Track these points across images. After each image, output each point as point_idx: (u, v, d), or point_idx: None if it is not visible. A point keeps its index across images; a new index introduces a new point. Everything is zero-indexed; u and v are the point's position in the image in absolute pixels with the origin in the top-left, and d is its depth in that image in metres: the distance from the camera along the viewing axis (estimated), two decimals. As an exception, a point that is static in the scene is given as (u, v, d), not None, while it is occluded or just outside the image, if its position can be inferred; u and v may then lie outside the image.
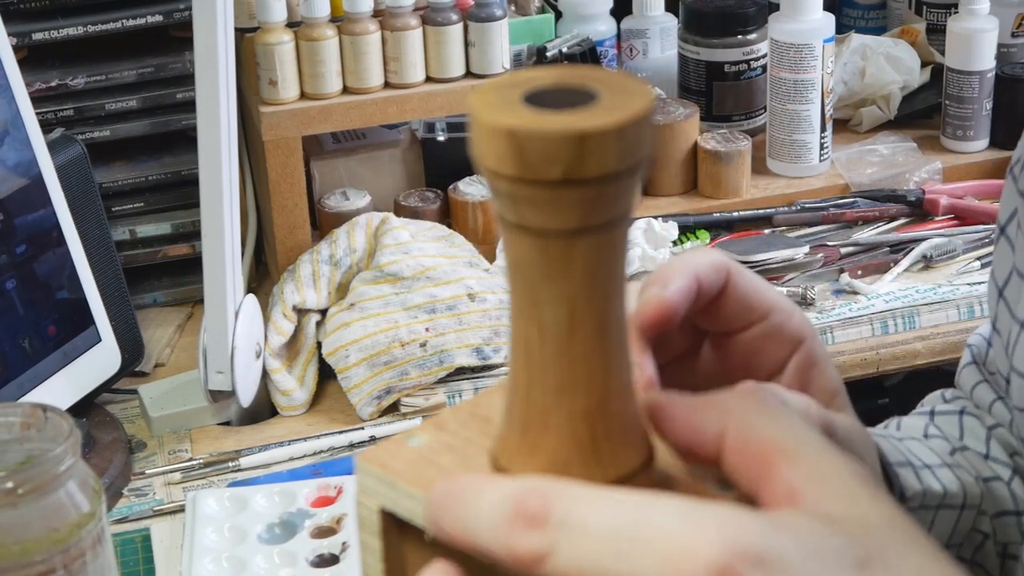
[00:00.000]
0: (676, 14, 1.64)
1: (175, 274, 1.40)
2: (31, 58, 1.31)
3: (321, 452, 1.18)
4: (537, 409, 0.47)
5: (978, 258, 1.40)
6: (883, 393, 1.60)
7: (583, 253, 0.44)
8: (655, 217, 1.45)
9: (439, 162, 1.44)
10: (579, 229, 0.44)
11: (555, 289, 0.45)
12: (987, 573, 0.77)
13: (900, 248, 1.42)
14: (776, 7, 1.53)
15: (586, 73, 0.45)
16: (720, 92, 1.59)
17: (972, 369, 0.85)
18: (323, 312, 1.28)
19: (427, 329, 1.24)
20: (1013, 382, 0.75)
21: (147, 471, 1.16)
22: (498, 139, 0.43)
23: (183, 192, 1.36)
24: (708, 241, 1.44)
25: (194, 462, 1.17)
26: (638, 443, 0.47)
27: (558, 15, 1.65)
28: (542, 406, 0.47)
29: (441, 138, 1.44)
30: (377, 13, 1.32)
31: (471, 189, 1.39)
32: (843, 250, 1.42)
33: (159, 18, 1.32)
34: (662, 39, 1.65)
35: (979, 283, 1.37)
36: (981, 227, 1.44)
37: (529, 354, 0.47)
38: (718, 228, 1.47)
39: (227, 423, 1.22)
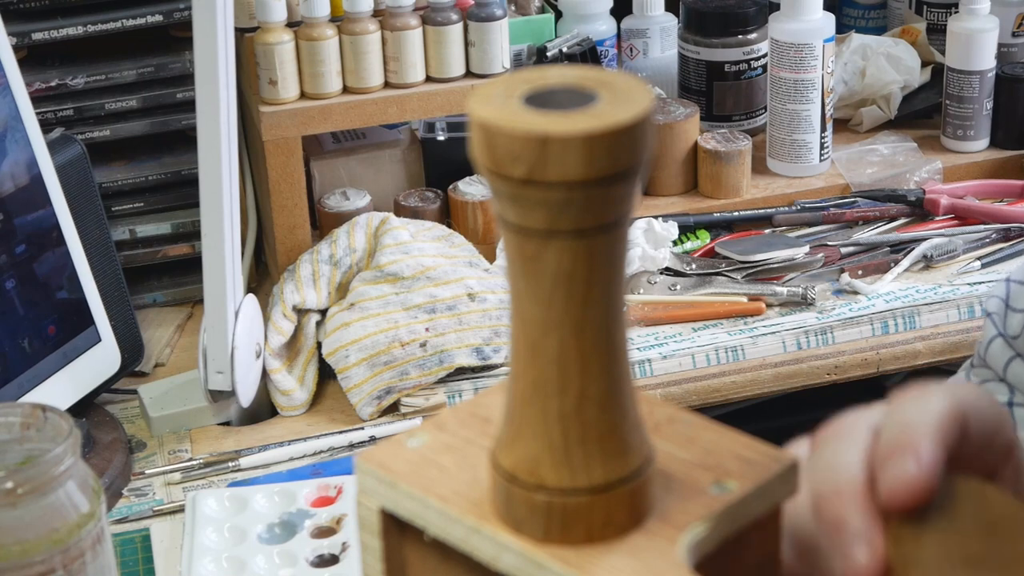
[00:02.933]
0: (676, 14, 1.64)
1: (175, 274, 1.40)
2: (31, 58, 1.31)
3: (321, 452, 1.18)
4: (517, 403, 0.47)
5: (978, 258, 1.40)
6: (883, 393, 1.60)
7: (556, 255, 0.44)
8: (655, 217, 1.45)
9: (439, 162, 1.44)
10: (549, 231, 0.43)
11: (531, 287, 0.45)
12: None
13: (900, 248, 1.42)
14: (776, 7, 1.53)
15: (598, 77, 0.45)
16: (720, 92, 1.59)
17: (1002, 344, 0.80)
18: (323, 312, 1.28)
19: (427, 329, 1.24)
20: None
21: (147, 471, 1.16)
22: (475, 130, 0.43)
23: (183, 192, 1.36)
24: (708, 241, 1.44)
25: (194, 462, 1.16)
26: (621, 454, 0.47)
27: (558, 15, 1.65)
28: (520, 401, 0.47)
29: (441, 138, 1.44)
30: (377, 13, 1.32)
31: (471, 189, 1.39)
32: (843, 250, 1.42)
33: (159, 18, 1.32)
34: (662, 39, 1.64)
35: (979, 283, 1.36)
36: (981, 227, 1.44)
37: (514, 347, 0.47)
38: (718, 228, 1.47)
39: (227, 423, 1.22)
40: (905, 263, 1.39)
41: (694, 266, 1.39)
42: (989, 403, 0.53)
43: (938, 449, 0.49)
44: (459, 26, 1.33)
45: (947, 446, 0.50)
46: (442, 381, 1.24)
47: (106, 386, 1.22)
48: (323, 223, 1.38)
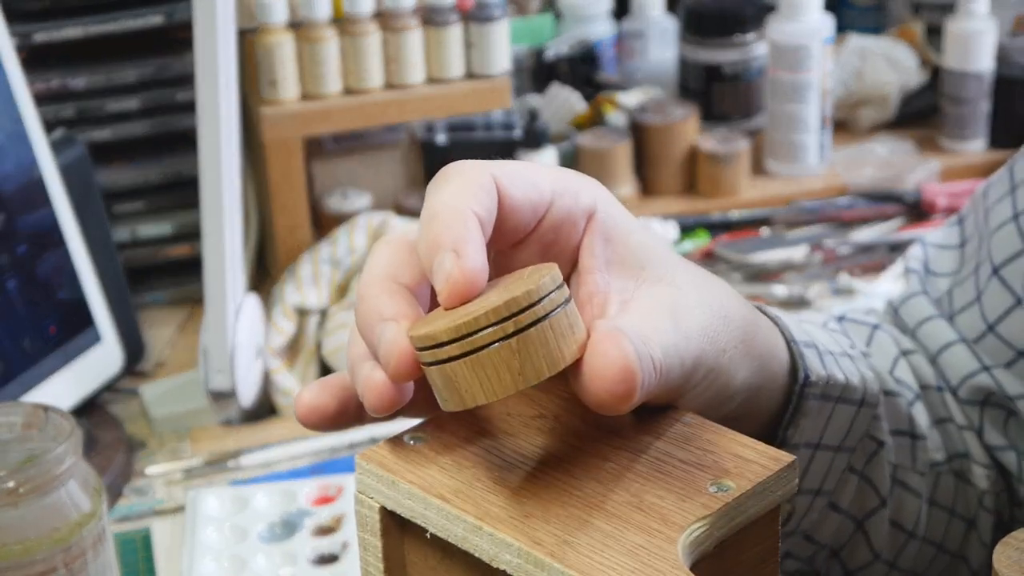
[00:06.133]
0: (675, 15, 1.64)
1: (176, 274, 1.40)
2: (32, 59, 1.31)
3: (321, 452, 1.18)
4: None
5: (976, 258, 1.40)
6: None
7: None
8: (654, 217, 1.45)
9: (439, 162, 1.43)
10: None
11: None
12: (875, 490, 0.73)
13: (898, 248, 1.42)
14: (775, 8, 1.53)
15: None
16: (719, 93, 1.59)
17: (925, 301, 0.80)
18: (323, 312, 1.28)
19: (427, 329, 1.24)
20: None
21: (148, 470, 1.16)
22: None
23: (184, 193, 1.36)
24: (707, 241, 1.45)
25: (195, 461, 1.17)
26: None
27: (558, 16, 1.66)
28: None
29: (441, 138, 1.45)
30: (377, 14, 1.32)
31: (471, 189, 1.39)
32: (841, 250, 1.43)
33: (160, 19, 1.32)
34: (661, 40, 1.65)
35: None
36: (979, 227, 1.45)
37: None
38: (717, 228, 1.48)
39: (228, 422, 1.23)
40: (903, 263, 1.40)
41: (693, 266, 1.39)
42: (524, 174, 0.53)
43: (476, 233, 0.50)
44: (459, 27, 1.33)
45: (482, 222, 0.50)
46: (442, 381, 1.24)
47: (107, 386, 1.22)
48: (323, 223, 1.38)
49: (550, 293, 0.48)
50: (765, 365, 0.60)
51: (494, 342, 0.47)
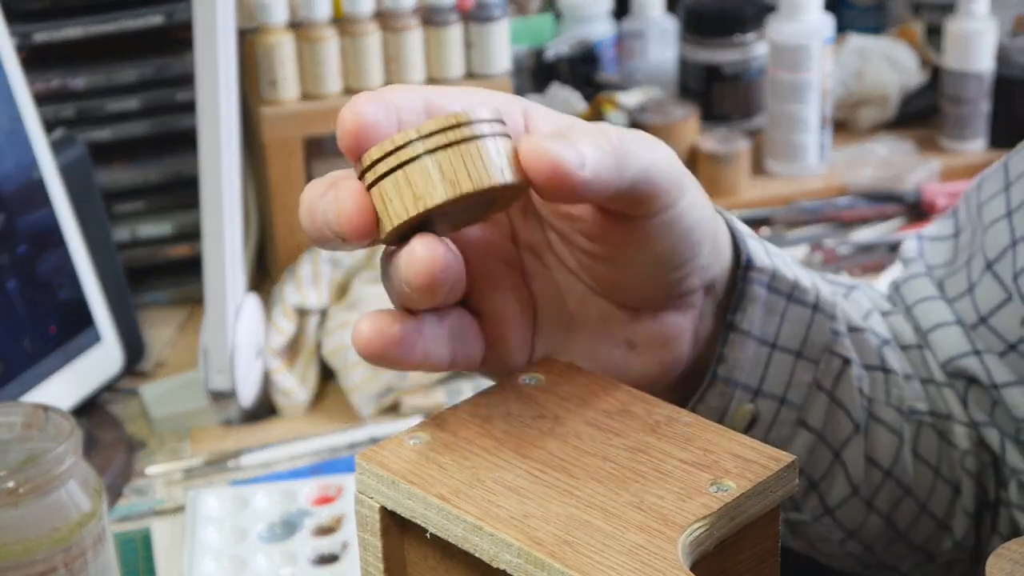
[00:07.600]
0: (675, 15, 1.64)
1: (176, 274, 1.40)
2: (32, 59, 1.31)
3: (321, 452, 1.18)
4: None
5: (976, 258, 1.40)
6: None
7: None
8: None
9: (439, 162, 1.44)
10: None
11: None
12: (847, 413, 0.72)
13: (898, 248, 1.42)
14: (775, 8, 1.53)
15: None
16: (719, 93, 1.59)
17: (928, 282, 0.81)
18: (323, 312, 1.28)
19: (427, 329, 1.24)
20: None
21: (148, 471, 1.16)
22: None
23: (184, 193, 1.36)
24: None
25: (195, 461, 1.17)
26: None
27: (558, 16, 1.66)
28: None
29: (441, 138, 1.45)
30: (377, 14, 1.32)
31: (471, 189, 1.40)
32: (841, 250, 1.43)
33: (160, 19, 1.32)
34: (661, 40, 1.65)
35: (977, 283, 1.37)
36: (979, 227, 1.45)
37: None
38: (717, 228, 1.47)
39: (228, 422, 1.23)
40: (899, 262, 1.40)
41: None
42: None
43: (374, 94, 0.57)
44: (459, 27, 1.33)
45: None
46: (442, 380, 1.24)
47: (107, 386, 1.22)
48: (323, 223, 1.38)
49: (484, 121, 0.51)
50: (714, 239, 0.61)
51: (424, 154, 0.51)
